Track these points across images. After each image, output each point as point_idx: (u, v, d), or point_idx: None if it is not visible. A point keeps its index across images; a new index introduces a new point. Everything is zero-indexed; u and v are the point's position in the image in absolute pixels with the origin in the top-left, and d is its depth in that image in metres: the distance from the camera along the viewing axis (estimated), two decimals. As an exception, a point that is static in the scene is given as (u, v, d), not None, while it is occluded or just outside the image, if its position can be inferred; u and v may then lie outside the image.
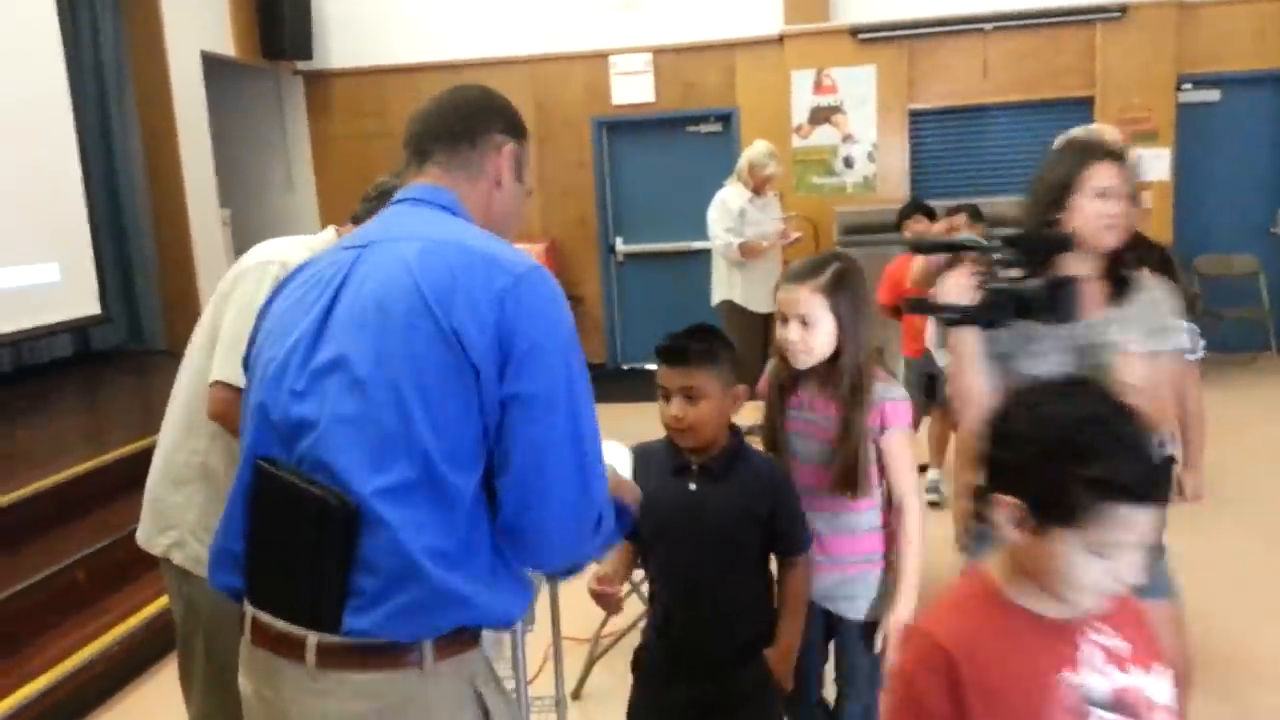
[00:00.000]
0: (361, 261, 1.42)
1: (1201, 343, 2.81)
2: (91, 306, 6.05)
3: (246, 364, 1.54)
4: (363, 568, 1.31)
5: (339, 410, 1.33)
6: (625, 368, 8.67)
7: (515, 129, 1.60)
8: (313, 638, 1.32)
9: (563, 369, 1.37)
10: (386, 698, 1.33)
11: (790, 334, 2.17)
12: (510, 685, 2.34)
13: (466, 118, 1.56)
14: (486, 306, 1.33)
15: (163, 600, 3.77)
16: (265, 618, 1.38)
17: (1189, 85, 7.53)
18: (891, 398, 2.19)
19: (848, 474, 2.15)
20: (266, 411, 1.40)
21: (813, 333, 2.15)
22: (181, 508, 2.24)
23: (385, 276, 1.38)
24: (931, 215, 5.09)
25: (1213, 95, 7.65)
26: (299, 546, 1.33)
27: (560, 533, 1.39)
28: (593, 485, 1.41)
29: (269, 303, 1.55)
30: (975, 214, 4.74)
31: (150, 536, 2.30)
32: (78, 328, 6.32)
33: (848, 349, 2.16)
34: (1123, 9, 7.31)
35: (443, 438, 1.31)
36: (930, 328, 4.19)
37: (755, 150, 5.73)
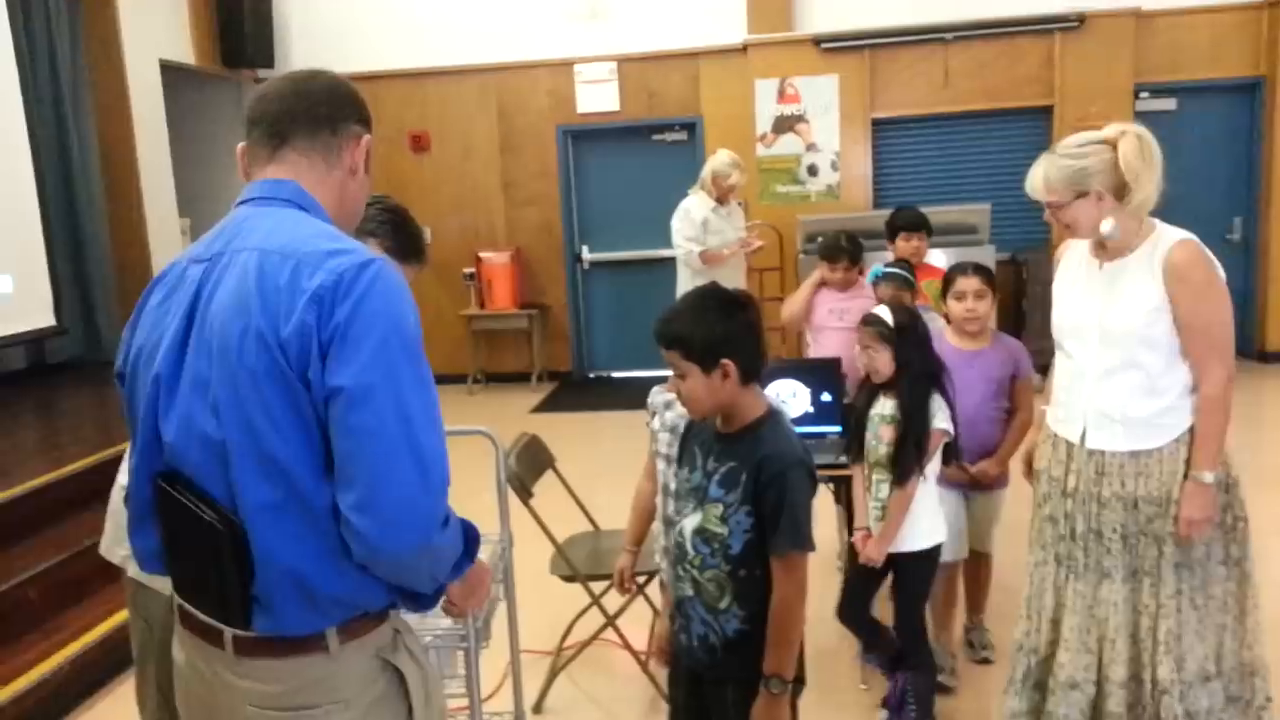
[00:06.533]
0: (208, 277, 1.43)
1: None
2: (46, 318, 5.95)
3: (121, 375, 1.54)
4: (256, 575, 1.39)
5: (203, 433, 1.37)
6: (592, 375, 8.66)
7: (368, 121, 1.59)
8: (229, 632, 1.44)
9: (383, 355, 1.32)
10: (298, 679, 1.44)
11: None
12: (465, 703, 2.32)
13: (328, 104, 1.53)
14: (305, 309, 1.32)
15: (117, 617, 3.72)
16: (189, 608, 1.49)
17: (1146, 94, 7.65)
18: None
19: None
20: (152, 437, 1.45)
21: None
22: None
23: (225, 295, 1.39)
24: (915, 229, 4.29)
25: (1169, 104, 7.76)
26: (202, 560, 1.41)
27: (398, 525, 1.33)
28: (431, 475, 1.35)
29: (140, 310, 1.53)
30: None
31: (109, 547, 2.31)
32: (32, 340, 6.21)
33: None
34: (1081, 19, 7.41)
35: (297, 452, 1.34)
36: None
37: (718, 160, 5.74)
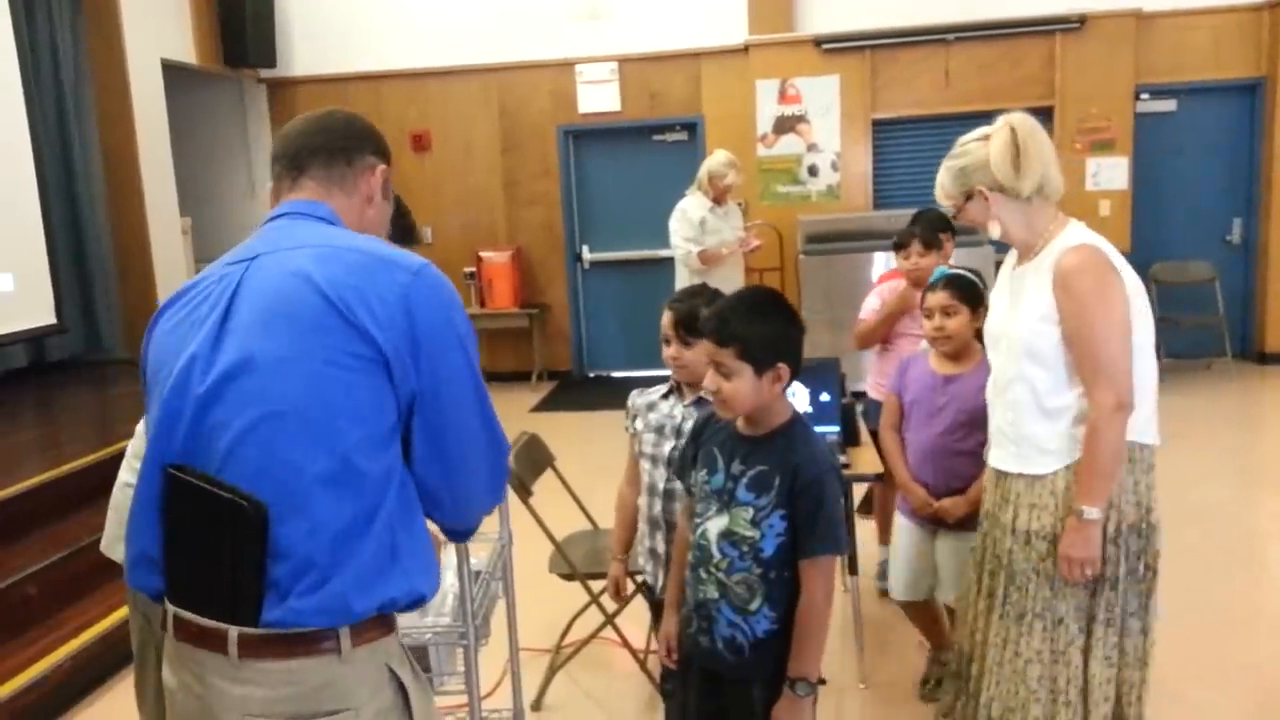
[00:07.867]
0: (251, 274, 1.47)
1: None
2: (47, 316, 5.96)
3: (145, 388, 1.56)
4: (278, 559, 1.37)
5: (251, 411, 1.38)
6: (591, 375, 8.67)
7: (385, 153, 1.70)
8: (233, 631, 1.38)
9: (464, 351, 1.52)
10: (307, 683, 1.39)
11: None
12: (464, 700, 2.32)
13: (344, 138, 1.64)
14: (393, 303, 1.42)
15: (117, 614, 3.73)
16: (187, 615, 1.43)
17: (1146, 95, 7.66)
18: None
19: None
20: (171, 422, 1.43)
21: None
22: None
23: (281, 283, 1.43)
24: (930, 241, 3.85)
25: (1169, 105, 7.78)
26: (214, 548, 1.39)
27: (484, 485, 1.58)
28: (497, 431, 1.58)
29: (153, 327, 1.56)
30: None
31: (111, 544, 2.32)
32: (33, 338, 6.22)
33: None
34: (1082, 20, 7.42)
35: (358, 428, 1.39)
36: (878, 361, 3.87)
37: (714, 160, 5.74)
